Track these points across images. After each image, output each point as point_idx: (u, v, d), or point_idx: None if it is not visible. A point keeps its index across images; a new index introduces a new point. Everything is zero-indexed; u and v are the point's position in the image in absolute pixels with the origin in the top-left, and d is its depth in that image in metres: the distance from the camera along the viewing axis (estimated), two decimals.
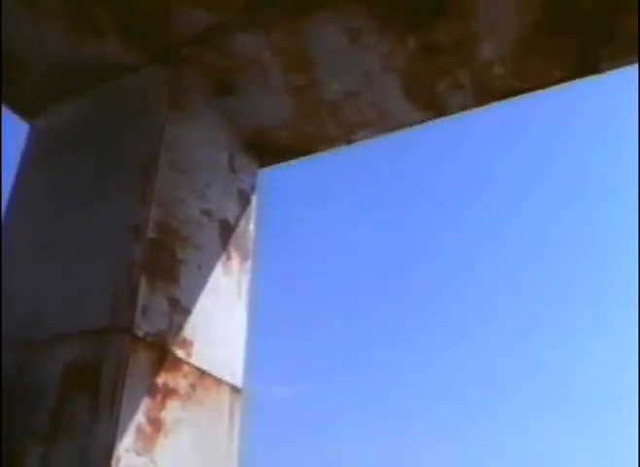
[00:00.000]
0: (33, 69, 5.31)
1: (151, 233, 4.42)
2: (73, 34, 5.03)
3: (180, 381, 4.30)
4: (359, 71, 5.13)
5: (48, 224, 4.83)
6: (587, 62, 5.03)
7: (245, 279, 5.24)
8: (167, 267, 4.50)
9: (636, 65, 5.00)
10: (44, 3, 4.83)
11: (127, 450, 3.77)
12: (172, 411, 4.17)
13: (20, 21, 4.96)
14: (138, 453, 3.84)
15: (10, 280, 4.69)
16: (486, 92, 5.31)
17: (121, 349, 4.02)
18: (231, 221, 5.22)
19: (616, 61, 5.01)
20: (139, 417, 3.92)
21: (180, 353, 4.38)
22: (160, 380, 4.15)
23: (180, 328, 4.44)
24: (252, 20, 4.79)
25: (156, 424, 4.02)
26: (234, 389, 4.77)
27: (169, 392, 4.19)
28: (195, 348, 4.51)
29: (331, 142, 5.74)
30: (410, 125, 5.56)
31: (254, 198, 5.60)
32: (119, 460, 3.70)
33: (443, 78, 5.18)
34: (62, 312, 4.34)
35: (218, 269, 4.93)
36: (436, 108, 5.41)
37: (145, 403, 4.00)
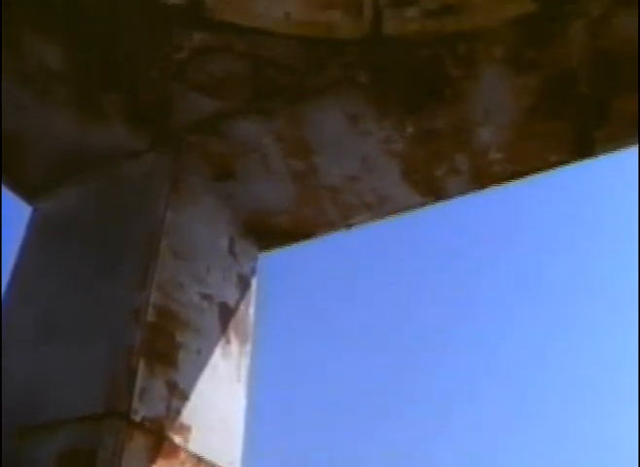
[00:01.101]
0: (37, 153, 5.41)
1: (150, 316, 4.40)
2: (79, 120, 5.15)
3: None
4: (358, 156, 5.22)
5: (48, 306, 4.80)
6: (583, 145, 5.14)
7: (245, 363, 5.17)
8: (166, 351, 4.45)
9: (631, 147, 5.11)
10: (53, 92, 4.97)
11: None
12: None
13: (28, 107, 5.09)
14: None
15: (9, 362, 4.63)
16: (484, 177, 5.40)
17: (117, 435, 3.92)
18: (231, 305, 5.20)
19: (611, 144, 5.12)
20: None
21: (177, 439, 4.27)
22: None
23: (178, 413, 4.34)
24: (254, 108, 4.93)
25: None
26: None
27: None
28: (193, 434, 4.40)
29: (331, 226, 5.78)
30: (410, 208, 5.62)
31: (254, 282, 5.59)
32: None
33: (441, 163, 5.27)
34: (60, 396, 4.24)
35: (217, 353, 4.87)
36: (434, 192, 5.48)
37: None
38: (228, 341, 5.03)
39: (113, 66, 4.89)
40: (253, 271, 5.64)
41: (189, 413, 4.42)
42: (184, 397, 4.43)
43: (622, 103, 4.93)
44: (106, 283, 4.67)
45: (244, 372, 5.13)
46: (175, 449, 4.22)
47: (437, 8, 4.70)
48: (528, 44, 4.66)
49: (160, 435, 4.14)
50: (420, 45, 4.65)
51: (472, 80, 4.81)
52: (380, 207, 5.60)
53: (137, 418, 4.03)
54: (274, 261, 6.07)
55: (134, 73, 4.89)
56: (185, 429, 4.35)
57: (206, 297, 4.96)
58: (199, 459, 4.38)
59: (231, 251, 5.42)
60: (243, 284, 5.43)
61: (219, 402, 4.75)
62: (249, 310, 5.43)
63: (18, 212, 5.83)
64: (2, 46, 4.75)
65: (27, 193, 5.67)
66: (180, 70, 4.80)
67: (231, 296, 5.23)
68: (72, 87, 5.00)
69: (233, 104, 4.91)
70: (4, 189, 5.64)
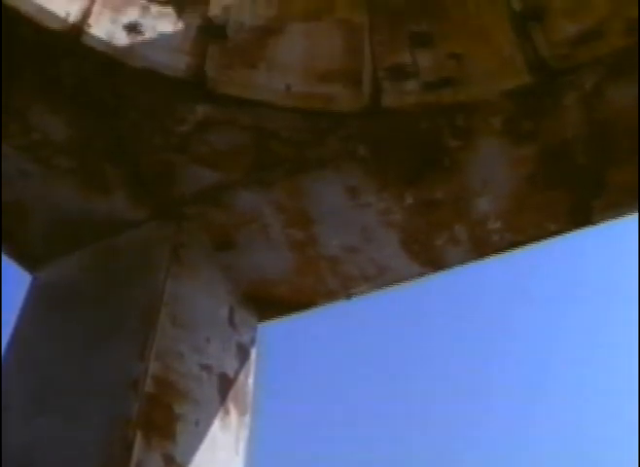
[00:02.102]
0: (39, 222, 5.44)
1: (149, 387, 4.35)
2: (81, 190, 5.20)
3: None
4: (358, 227, 5.26)
5: (46, 374, 4.75)
6: (581, 214, 5.19)
7: (243, 434, 5.08)
8: (164, 422, 4.37)
9: (629, 216, 5.15)
10: (56, 162, 5.04)
11: None
12: None
13: (31, 177, 5.15)
14: None
15: (7, 431, 4.56)
16: (483, 246, 5.42)
17: None
18: (230, 375, 5.15)
19: (609, 213, 5.17)
20: None
21: None
22: None
23: None
24: (254, 179, 4.98)
25: None
26: None
27: None
28: None
29: (330, 296, 5.77)
30: (409, 278, 5.62)
31: (253, 352, 5.54)
32: None
33: (440, 233, 5.29)
34: None
35: (216, 425, 4.79)
36: (434, 262, 5.49)
37: None
38: (227, 413, 4.96)
39: (116, 138, 4.97)
40: (252, 341, 5.60)
41: None
42: None
43: (619, 173, 5.00)
44: (105, 352, 4.64)
45: (243, 444, 5.04)
46: None
47: (435, 81, 4.81)
48: (525, 115, 4.74)
49: None
50: (419, 117, 4.73)
51: (470, 151, 4.88)
52: (380, 277, 5.61)
53: None
54: (274, 330, 6.04)
55: (137, 145, 4.96)
56: None
57: (206, 367, 4.91)
58: None
59: (231, 321, 5.40)
60: (243, 354, 5.39)
61: None
62: (248, 381, 5.37)
63: (17, 280, 5.84)
64: (9, 117, 4.84)
65: (27, 261, 5.67)
66: (182, 142, 4.88)
67: (230, 366, 5.18)
68: (75, 157, 5.07)
69: (234, 175, 4.97)
70: (3, 257, 5.67)
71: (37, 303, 5.43)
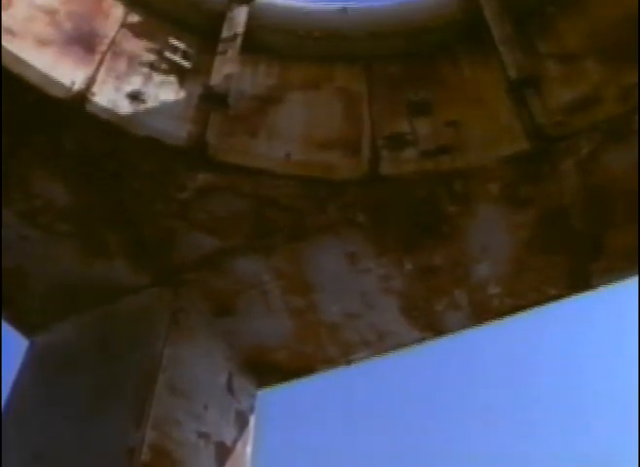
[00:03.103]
0: (38, 287, 5.42)
1: (145, 456, 4.27)
2: (81, 255, 5.21)
3: None
4: (357, 293, 5.26)
5: (42, 440, 4.67)
6: (581, 278, 5.21)
7: None
8: None
9: (628, 280, 5.15)
10: (57, 227, 5.06)
11: None
12: None
13: (31, 242, 5.16)
14: None
15: None
16: (483, 311, 5.41)
17: None
18: (228, 443, 5.06)
19: (607, 277, 5.19)
20: None
21: None
22: None
23: None
24: (254, 246, 5.00)
25: None
26: None
27: None
28: None
29: (330, 362, 5.73)
30: (409, 344, 5.60)
31: (252, 420, 5.47)
32: None
33: (440, 298, 5.29)
34: None
35: None
36: (434, 328, 5.48)
37: None
38: None
39: (117, 204, 5.00)
40: (251, 409, 5.54)
41: None
42: None
43: (617, 237, 5.03)
44: (102, 419, 4.58)
45: None
46: None
47: (433, 148, 4.87)
48: (523, 181, 4.79)
49: None
50: (417, 184, 4.78)
51: (468, 216, 4.91)
52: (380, 343, 5.58)
53: None
54: (273, 397, 5.97)
55: (138, 211, 4.99)
56: None
57: (203, 435, 4.84)
58: None
59: (230, 388, 5.34)
60: (241, 422, 5.32)
61: None
62: (246, 449, 5.29)
63: (14, 344, 5.80)
64: (11, 183, 4.88)
65: (25, 326, 5.64)
66: (183, 209, 4.91)
67: (228, 434, 5.11)
68: (76, 223, 5.09)
69: (234, 242, 4.99)
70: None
71: (34, 368, 5.38)
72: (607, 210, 4.94)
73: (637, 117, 4.59)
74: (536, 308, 5.44)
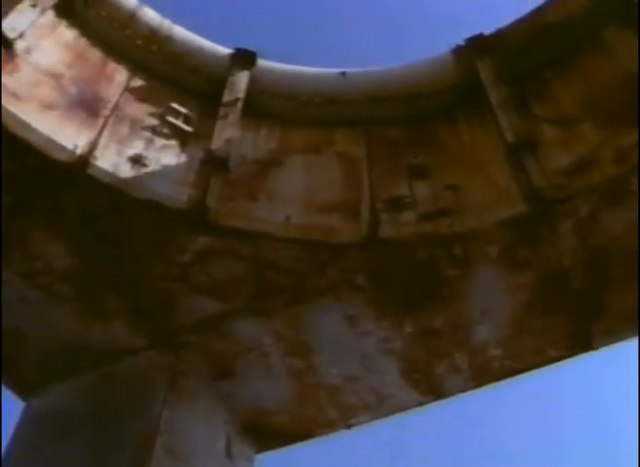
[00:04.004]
0: (36, 349, 5.39)
1: None
2: (81, 316, 5.20)
3: None
4: (357, 356, 5.23)
5: None
6: (581, 339, 5.18)
7: None
8: None
9: (629, 340, 5.12)
10: (57, 289, 5.05)
11: None
12: None
13: (30, 303, 5.15)
14: None
15: None
16: (484, 374, 5.37)
17: None
18: None
19: (609, 338, 5.16)
20: None
21: None
22: None
23: None
24: (254, 308, 4.99)
25: None
26: None
27: None
28: None
29: (330, 426, 5.67)
30: (410, 407, 5.54)
31: None
32: None
33: (440, 361, 5.26)
34: None
35: None
36: (434, 391, 5.43)
37: None
38: None
39: (117, 266, 5.01)
40: None
41: None
42: None
43: (617, 298, 5.02)
44: None
45: None
46: None
47: (432, 211, 4.91)
48: (522, 244, 4.81)
49: None
50: (417, 247, 4.79)
51: (468, 279, 4.91)
52: (380, 407, 5.52)
53: None
54: (272, 461, 5.88)
55: (138, 273, 5.00)
56: None
57: None
58: None
59: (228, 453, 5.27)
60: None
61: None
62: None
63: (9, 407, 5.74)
64: (12, 245, 4.89)
65: (22, 388, 5.59)
66: (183, 272, 4.92)
67: None
68: (76, 285, 5.09)
69: (234, 305, 4.98)
70: None
71: (30, 431, 5.31)
72: (607, 271, 4.94)
73: (635, 178, 4.61)
74: (537, 370, 5.39)
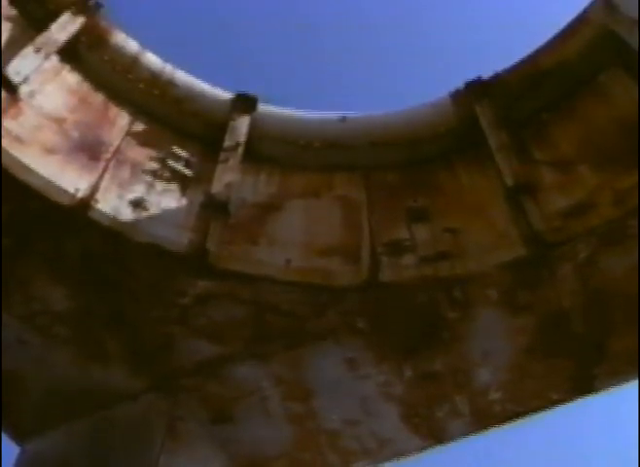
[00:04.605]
0: (34, 392, 5.35)
1: None
2: (78, 359, 5.17)
3: None
4: (357, 400, 5.19)
5: None
6: (583, 382, 5.15)
7: None
8: None
9: (632, 382, 5.09)
10: (55, 330, 5.04)
11: None
12: None
13: (29, 345, 5.12)
14: None
15: None
16: (485, 418, 5.34)
17: None
18: None
19: (611, 380, 5.13)
20: None
21: None
22: None
23: None
24: (253, 352, 4.97)
25: None
26: None
27: None
28: None
29: None
30: (411, 452, 5.49)
31: None
32: None
33: (441, 405, 5.22)
34: None
35: None
36: (435, 435, 5.39)
37: None
38: None
39: (117, 309, 5.00)
40: None
41: None
42: None
43: (618, 340, 5.00)
44: None
45: None
46: None
47: (432, 254, 4.91)
48: (522, 286, 4.80)
49: None
50: (417, 290, 4.79)
51: (468, 322, 4.90)
52: (381, 451, 5.47)
53: None
54: None
55: (137, 316, 4.98)
56: None
57: None
58: None
59: None
60: None
61: None
62: None
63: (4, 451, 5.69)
64: (11, 287, 4.89)
65: (18, 432, 5.52)
66: (182, 315, 4.91)
67: None
68: (74, 327, 5.07)
69: (233, 348, 4.97)
70: None
71: None
72: (607, 314, 4.94)
73: (634, 221, 4.63)
74: (539, 414, 5.35)
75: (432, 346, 4.96)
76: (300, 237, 5.08)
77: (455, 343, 4.96)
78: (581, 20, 5.66)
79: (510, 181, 5.14)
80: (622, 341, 5.00)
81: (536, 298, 4.85)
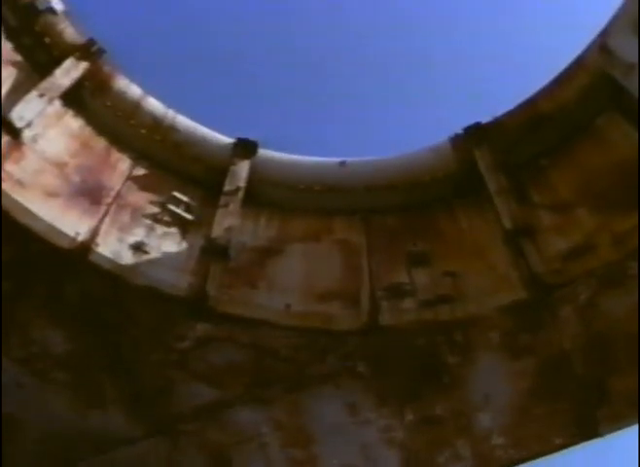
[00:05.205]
0: (30, 438, 5.28)
1: None
2: (76, 404, 5.12)
3: None
4: (358, 445, 5.13)
5: None
6: (586, 426, 5.07)
7: None
8: None
9: (634, 426, 5.03)
10: (53, 375, 5.01)
11: None
12: None
13: (26, 389, 5.09)
14: None
15: None
16: (487, 463, 5.25)
17: None
18: None
19: (614, 424, 5.05)
20: None
21: None
22: None
23: None
24: (253, 396, 4.93)
25: None
26: None
27: None
28: None
29: None
30: None
31: None
32: None
33: (442, 450, 5.15)
34: None
35: None
36: None
37: None
38: None
39: (115, 352, 4.97)
40: None
41: None
42: None
43: (620, 382, 4.96)
44: None
45: None
46: None
47: (432, 298, 4.91)
48: (522, 329, 4.79)
49: None
50: (417, 334, 4.78)
51: (469, 366, 4.87)
52: None
53: None
54: None
55: (136, 360, 4.96)
56: None
57: None
58: None
59: None
60: None
61: None
62: None
63: None
64: (10, 330, 4.87)
65: None
66: (182, 359, 4.89)
67: None
68: (73, 371, 5.04)
69: (233, 393, 4.93)
70: None
71: None
72: (609, 356, 4.91)
73: (634, 262, 4.64)
74: (541, 458, 5.28)
75: (433, 390, 4.92)
76: (299, 281, 5.09)
77: (456, 387, 4.93)
78: (577, 65, 5.73)
79: (509, 224, 5.16)
80: (624, 383, 4.97)
81: (537, 340, 4.84)
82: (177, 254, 5.10)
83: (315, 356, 4.79)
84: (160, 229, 5.26)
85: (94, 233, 4.97)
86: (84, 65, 5.73)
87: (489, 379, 4.93)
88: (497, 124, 5.87)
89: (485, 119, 5.98)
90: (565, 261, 4.88)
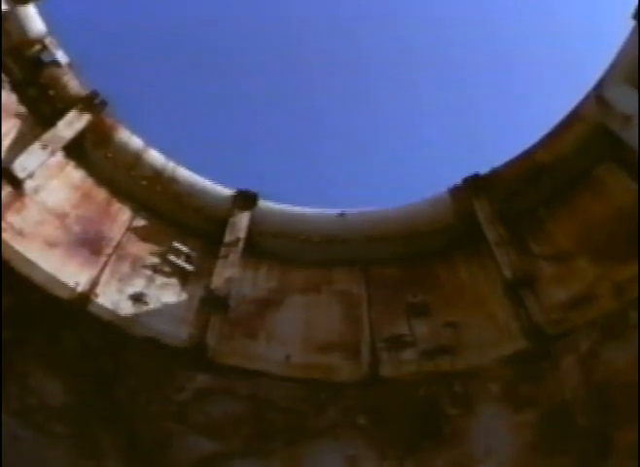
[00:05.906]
0: None
1: None
2: (73, 456, 5.02)
3: None
4: None
5: None
6: None
7: None
8: None
9: None
10: (50, 426, 4.94)
11: None
12: None
13: (22, 442, 5.01)
14: None
15: None
16: None
17: None
18: None
19: None
20: None
21: None
22: None
23: None
24: (252, 449, 4.85)
25: None
26: None
27: None
28: None
29: None
30: None
31: None
32: None
33: None
34: None
35: None
36: None
37: None
38: None
39: (113, 404, 4.91)
40: None
41: None
42: None
43: (623, 433, 4.88)
44: None
45: None
46: None
47: (432, 349, 4.90)
48: (523, 380, 4.76)
49: None
50: (417, 385, 4.75)
51: (470, 417, 4.82)
52: None
53: None
54: None
55: (134, 411, 4.90)
56: None
57: None
58: None
59: None
60: None
61: None
62: None
63: None
64: (7, 381, 4.83)
65: None
66: (180, 410, 4.84)
67: None
68: (70, 423, 4.97)
69: (232, 445, 4.85)
70: None
71: None
72: (611, 407, 4.84)
73: (635, 312, 4.63)
74: None
75: (433, 443, 4.84)
76: (299, 333, 5.08)
77: (457, 439, 4.85)
78: (574, 116, 5.80)
79: (508, 274, 5.18)
80: (627, 434, 4.90)
81: (538, 391, 4.79)
82: (177, 305, 5.10)
83: (315, 408, 4.75)
84: (160, 279, 5.27)
85: (94, 284, 4.99)
86: (86, 117, 5.80)
87: (490, 431, 4.86)
88: (495, 174, 5.92)
89: (484, 170, 6.03)
90: (566, 311, 4.88)
